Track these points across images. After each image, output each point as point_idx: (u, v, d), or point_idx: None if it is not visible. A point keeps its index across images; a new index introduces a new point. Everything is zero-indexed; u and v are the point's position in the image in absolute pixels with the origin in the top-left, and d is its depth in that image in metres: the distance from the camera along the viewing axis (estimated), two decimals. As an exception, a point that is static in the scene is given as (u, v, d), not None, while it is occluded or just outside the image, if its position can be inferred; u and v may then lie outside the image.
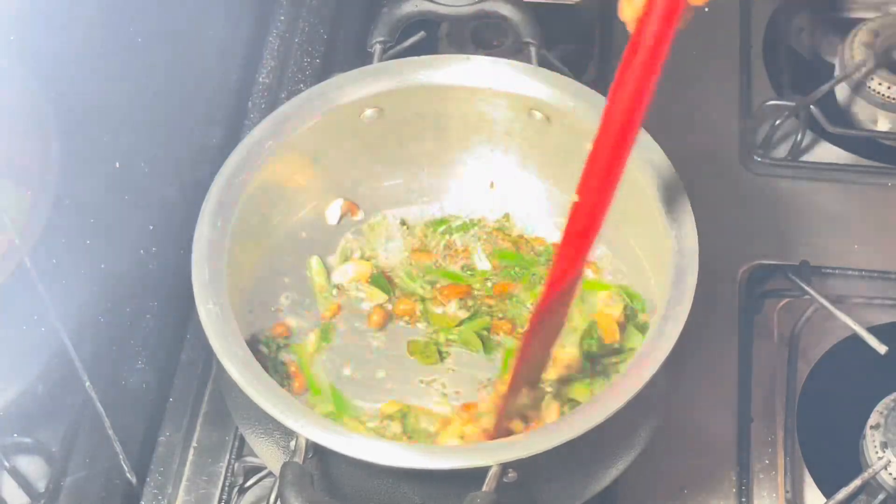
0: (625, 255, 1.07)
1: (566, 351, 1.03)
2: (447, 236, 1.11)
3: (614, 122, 0.89)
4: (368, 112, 1.07)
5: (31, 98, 1.01)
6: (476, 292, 1.09)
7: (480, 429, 1.00)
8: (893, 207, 1.24)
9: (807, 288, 1.15)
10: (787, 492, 1.07)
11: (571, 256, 0.93)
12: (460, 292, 1.08)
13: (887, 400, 1.08)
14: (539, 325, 0.95)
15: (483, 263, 1.10)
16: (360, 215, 1.11)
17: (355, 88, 1.07)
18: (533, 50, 1.10)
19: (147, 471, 1.09)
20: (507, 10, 1.12)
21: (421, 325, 1.07)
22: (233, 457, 1.10)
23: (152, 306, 1.14)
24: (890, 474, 1.05)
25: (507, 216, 1.12)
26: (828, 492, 1.06)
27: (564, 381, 1.02)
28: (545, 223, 1.12)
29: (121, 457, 1.05)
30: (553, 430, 0.89)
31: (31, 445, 1.08)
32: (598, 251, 1.08)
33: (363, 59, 1.12)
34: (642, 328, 1.03)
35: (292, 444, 0.89)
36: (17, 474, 1.06)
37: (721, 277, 1.17)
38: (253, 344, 1.02)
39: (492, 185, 1.12)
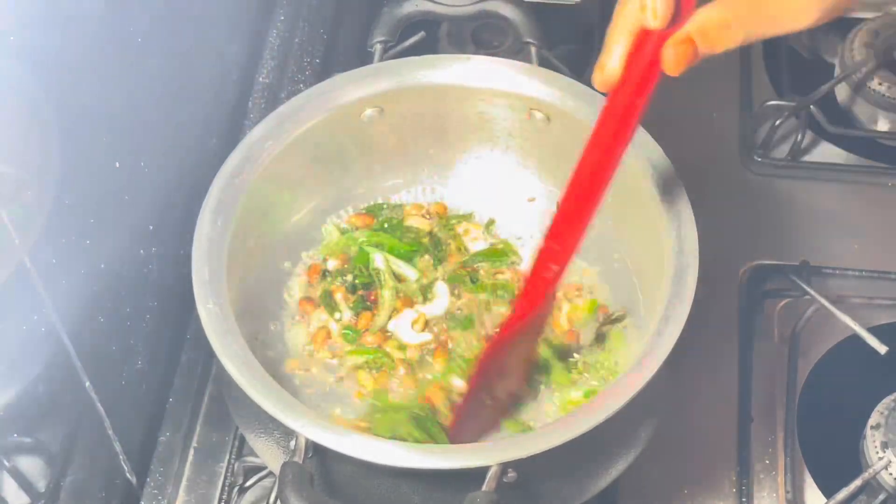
0: (625, 255, 1.07)
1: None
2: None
3: (582, 186, 0.89)
4: (368, 112, 1.07)
5: (31, 98, 1.01)
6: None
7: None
8: (893, 207, 1.24)
9: (807, 288, 1.15)
10: (787, 492, 1.07)
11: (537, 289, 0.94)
12: None
13: (887, 400, 1.08)
14: (505, 342, 0.97)
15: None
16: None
17: (355, 88, 1.07)
18: (533, 50, 1.11)
19: (147, 471, 1.09)
20: (507, 11, 1.12)
21: None
22: (233, 457, 1.10)
23: (152, 306, 1.14)
24: (890, 474, 1.05)
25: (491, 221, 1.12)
26: (828, 492, 1.06)
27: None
28: (542, 222, 1.11)
29: (121, 457, 1.05)
30: (553, 430, 0.89)
31: (31, 445, 1.08)
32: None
33: (363, 59, 1.12)
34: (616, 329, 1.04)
35: (292, 443, 0.89)
36: (17, 474, 1.06)
37: (721, 277, 1.17)
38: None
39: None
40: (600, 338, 1.04)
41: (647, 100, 0.86)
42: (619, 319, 1.05)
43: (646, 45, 0.84)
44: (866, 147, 1.29)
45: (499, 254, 1.09)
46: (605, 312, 1.06)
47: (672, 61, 0.83)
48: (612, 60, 0.85)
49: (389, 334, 1.04)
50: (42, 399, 1.06)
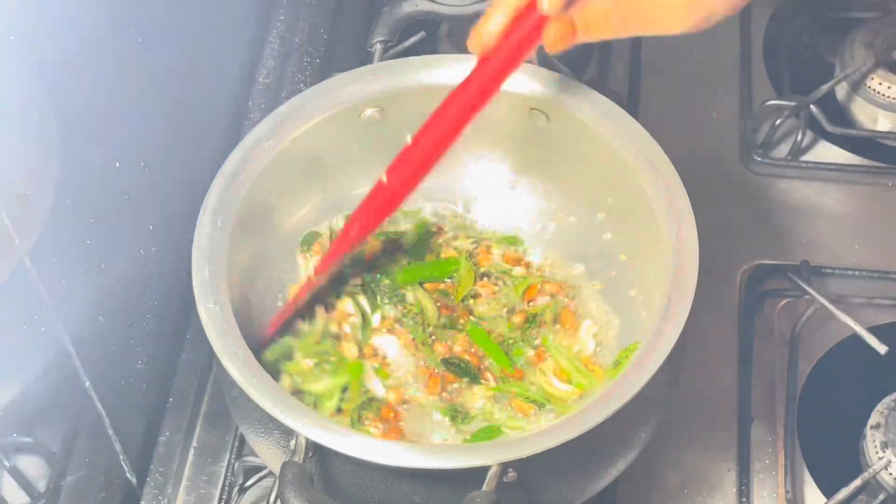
0: (624, 255, 1.07)
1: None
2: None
3: (432, 136, 0.96)
4: (368, 112, 1.07)
5: (31, 98, 1.01)
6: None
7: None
8: (893, 207, 1.24)
9: (807, 288, 1.15)
10: (787, 492, 1.07)
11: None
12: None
13: (887, 400, 1.08)
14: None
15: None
16: None
17: (355, 88, 1.07)
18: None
19: (147, 471, 1.09)
20: (507, 10, 1.12)
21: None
22: (233, 457, 1.10)
23: (152, 306, 1.14)
24: (890, 474, 1.05)
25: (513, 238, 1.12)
26: (828, 492, 1.06)
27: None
28: (543, 222, 1.12)
29: (121, 457, 1.05)
30: (553, 430, 0.89)
31: (31, 445, 1.08)
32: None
33: (363, 59, 1.12)
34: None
35: (292, 443, 0.89)
36: (17, 474, 1.06)
37: (721, 277, 1.17)
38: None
39: None
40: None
41: (513, 71, 0.93)
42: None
43: (525, 21, 0.91)
44: (866, 147, 1.29)
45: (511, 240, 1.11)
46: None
47: (552, 40, 0.90)
48: (491, 28, 0.92)
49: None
50: (42, 399, 1.06)
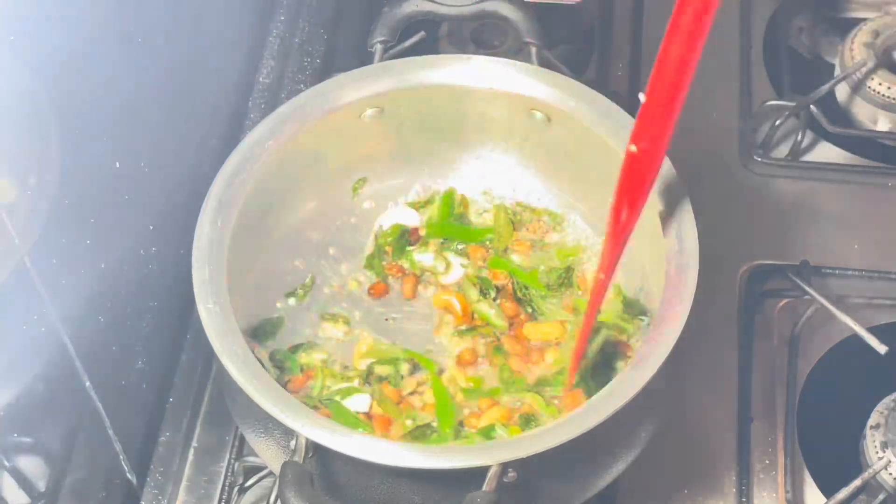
0: (624, 255, 1.07)
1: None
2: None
3: (667, 76, 0.87)
4: (368, 112, 1.07)
5: (31, 98, 1.01)
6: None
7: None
8: (893, 207, 1.24)
9: (807, 288, 1.15)
10: (787, 492, 1.07)
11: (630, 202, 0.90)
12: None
13: (887, 400, 1.08)
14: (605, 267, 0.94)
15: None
16: None
17: (355, 88, 1.07)
18: (533, 50, 1.10)
19: (147, 471, 1.09)
20: (507, 10, 1.12)
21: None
22: (233, 457, 1.10)
23: (152, 306, 1.14)
24: (890, 474, 1.05)
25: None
26: (828, 492, 1.07)
27: None
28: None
29: (121, 457, 1.05)
30: (553, 430, 0.89)
31: (31, 445, 1.08)
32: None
33: (363, 59, 1.12)
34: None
35: (292, 443, 0.89)
36: (17, 474, 1.06)
37: (721, 277, 1.17)
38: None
39: None
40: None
41: None
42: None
43: None
44: (866, 147, 1.29)
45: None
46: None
47: None
48: None
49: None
50: (42, 399, 1.06)
